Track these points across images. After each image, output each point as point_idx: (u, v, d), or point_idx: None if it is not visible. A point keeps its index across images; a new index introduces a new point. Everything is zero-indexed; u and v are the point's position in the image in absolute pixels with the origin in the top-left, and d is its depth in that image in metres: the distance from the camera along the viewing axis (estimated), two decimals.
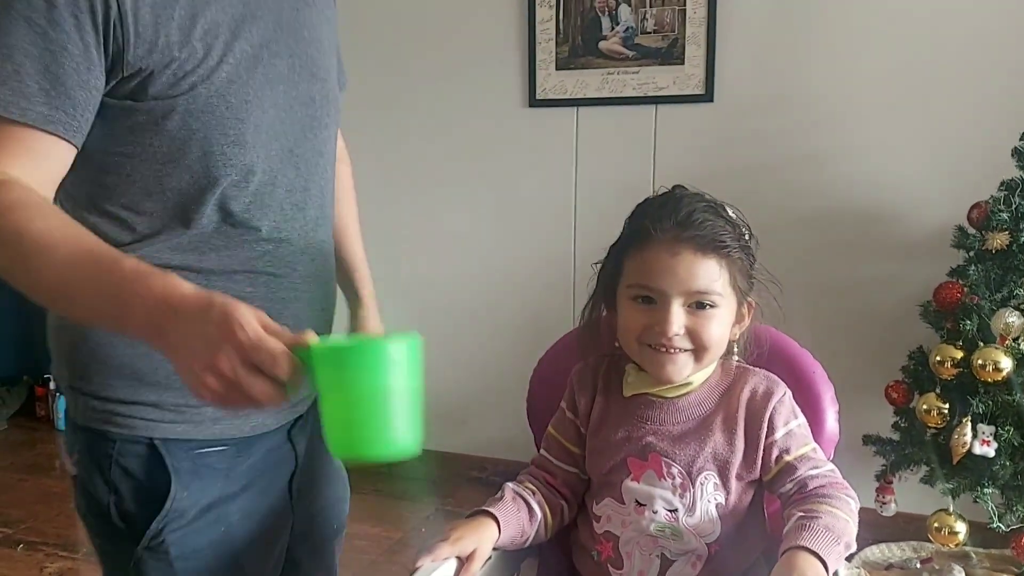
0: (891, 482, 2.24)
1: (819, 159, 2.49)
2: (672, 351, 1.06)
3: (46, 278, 0.84)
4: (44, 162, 0.89)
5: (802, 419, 1.12)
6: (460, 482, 2.95)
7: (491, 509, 1.10)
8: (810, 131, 2.50)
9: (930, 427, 2.08)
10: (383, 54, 2.91)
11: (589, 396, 1.18)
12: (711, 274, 1.05)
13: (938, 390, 2.08)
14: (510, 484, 1.16)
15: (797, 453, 1.09)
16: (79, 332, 1.01)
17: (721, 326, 1.08)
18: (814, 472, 1.08)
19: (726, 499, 1.09)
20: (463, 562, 1.05)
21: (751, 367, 1.15)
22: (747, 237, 1.11)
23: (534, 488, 1.16)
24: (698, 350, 1.07)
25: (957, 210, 2.21)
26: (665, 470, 1.09)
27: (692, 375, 1.11)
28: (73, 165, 0.92)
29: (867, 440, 2.26)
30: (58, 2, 0.86)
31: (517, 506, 1.13)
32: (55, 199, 0.93)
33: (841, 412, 1.21)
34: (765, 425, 1.09)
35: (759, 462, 1.09)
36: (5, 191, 0.85)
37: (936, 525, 2.11)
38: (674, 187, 1.14)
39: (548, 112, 2.75)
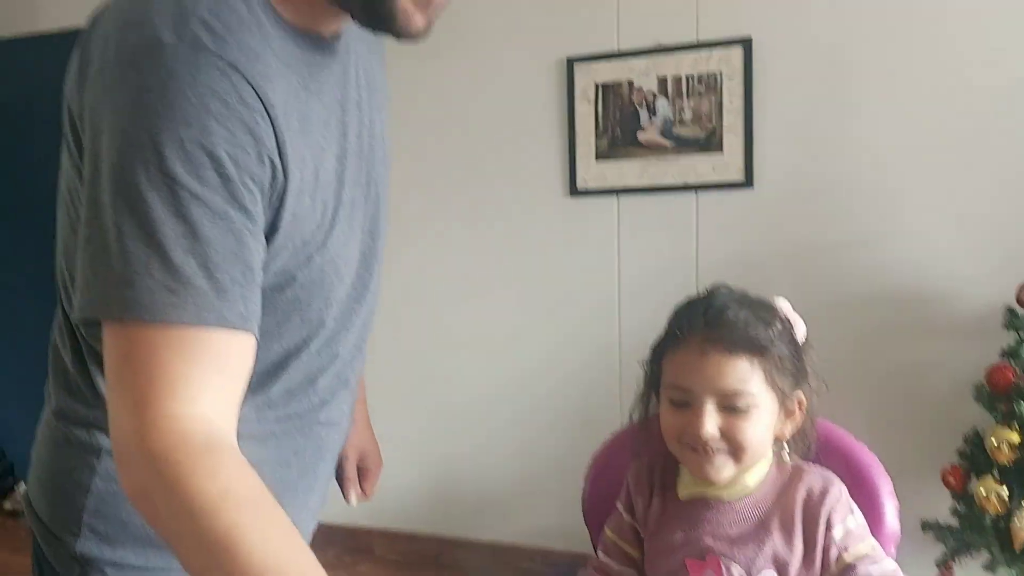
0: (952, 568, 2.17)
1: (862, 242, 2.50)
2: (709, 452, 1.08)
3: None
4: (240, 368, 0.76)
5: (859, 516, 1.11)
6: (507, 572, 2.91)
7: None
8: (852, 214, 2.51)
9: (989, 512, 2.03)
10: (423, 144, 3.00)
11: (646, 497, 1.18)
12: (741, 374, 1.06)
13: (996, 474, 2.03)
14: None
15: (857, 552, 1.08)
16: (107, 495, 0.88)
17: (757, 427, 1.08)
18: (875, 570, 1.06)
19: None
20: None
21: (805, 464, 1.15)
22: (792, 332, 1.12)
23: None
24: (735, 451, 1.08)
25: (1005, 289, 2.20)
26: (724, 572, 1.09)
27: (742, 475, 1.11)
28: None
29: (926, 526, 2.21)
30: (232, 174, 0.73)
31: None
32: None
33: (899, 498, 1.21)
34: (823, 525, 1.08)
35: (818, 563, 1.08)
36: (213, 468, 0.70)
37: None
38: (714, 285, 1.17)
39: (589, 201, 2.81)
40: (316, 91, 0.84)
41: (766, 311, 1.11)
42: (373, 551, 3.17)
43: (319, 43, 0.86)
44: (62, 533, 0.91)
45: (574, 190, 2.81)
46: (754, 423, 1.07)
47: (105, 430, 0.76)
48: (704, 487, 1.13)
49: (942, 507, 2.21)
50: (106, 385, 0.75)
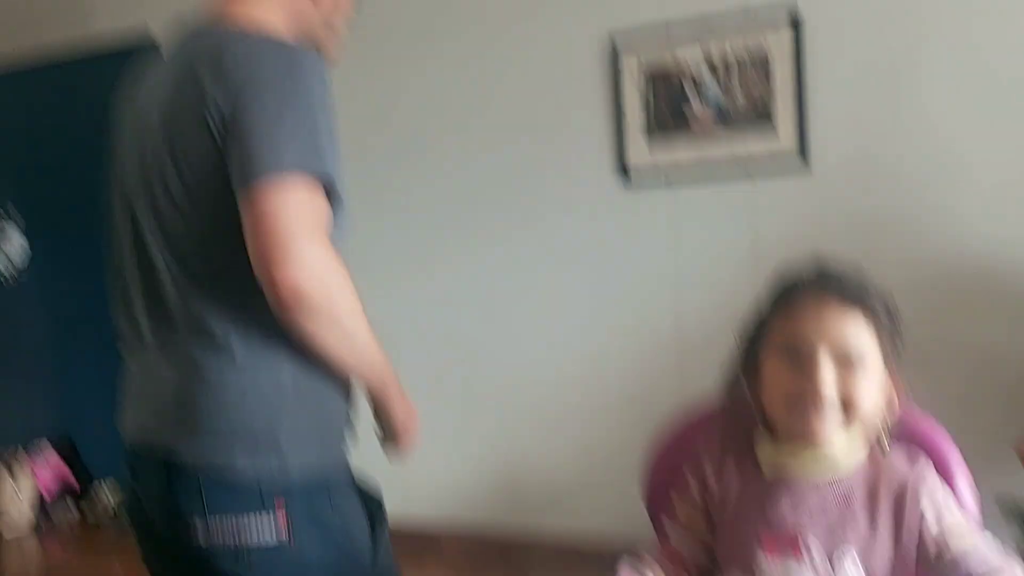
0: None
1: (926, 219, 2.43)
2: (821, 407, 1.05)
3: (372, 348, 1.14)
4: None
5: (950, 499, 1.07)
6: (573, 565, 2.91)
7: None
8: (913, 191, 2.44)
9: None
10: (476, 135, 3.01)
11: (723, 476, 1.16)
12: (857, 328, 1.06)
13: None
14: (625, 567, 1.13)
15: (959, 548, 1.03)
16: (273, 409, 1.09)
17: (871, 391, 1.07)
18: (981, 567, 1.02)
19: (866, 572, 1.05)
20: None
21: (896, 449, 1.12)
22: (895, 312, 1.11)
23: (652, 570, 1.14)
24: (847, 408, 1.06)
25: None
26: (804, 550, 1.06)
27: (840, 444, 1.08)
28: None
29: (1000, 501, 2.14)
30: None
31: None
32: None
33: (973, 475, 1.18)
34: (914, 512, 1.05)
35: (910, 551, 1.05)
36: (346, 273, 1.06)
37: None
38: (814, 258, 1.17)
39: (642, 192, 2.78)
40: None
41: (869, 280, 1.12)
42: (441, 548, 3.19)
43: None
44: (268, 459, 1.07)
45: (626, 180, 2.79)
46: (867, 382, 1.06)
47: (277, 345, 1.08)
48: (790, 461, 1.10)
49: (1020, 482, 2.15)
50: (273, 241, 0.98)
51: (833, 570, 1.05)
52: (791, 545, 1.06)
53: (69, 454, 3.85)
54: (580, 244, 2.90)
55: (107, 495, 3.80)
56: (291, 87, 1.03)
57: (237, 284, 1.05)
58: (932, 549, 1.04)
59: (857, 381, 1.05)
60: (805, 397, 1.05)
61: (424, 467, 3.21)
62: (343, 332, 1.07)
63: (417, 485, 3.23)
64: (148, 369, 1.14)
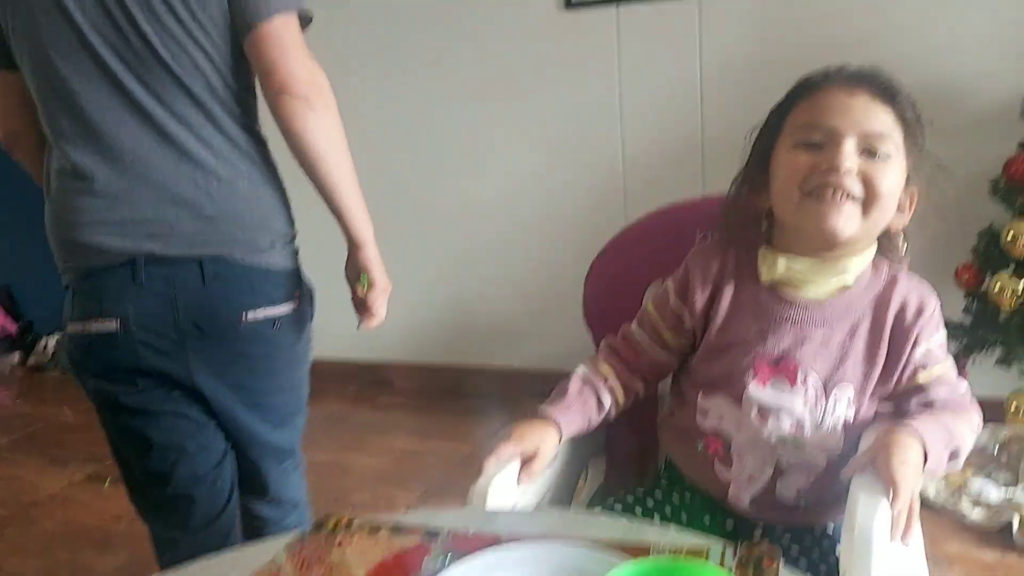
0: (964, 366, 2.17)
1: (875, 39, 2.37)
2: (839, 197, 0.96)
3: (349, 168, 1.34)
4: None
5: (942, 333, 1.04)
6: (524, 396, 2.96)
7: (553, 413, 1.08)
8: (864, 10, 2.37)
9: (1004, 308, 2.02)
10: None
11: (710, 288, 1.08)
12: (888, 121, 0.98)
13: (1011, 269, 2.00)
14: (580, 369, 1.13)
15: (932, 373, 1.02)
16: (274, 201, 1.31)
17: (893, 180, 0.98)
18: (943, 392, 1.02)
19: (855, 415, 1.03)
20: (526, 461, 1.04)
21: (901, 271, 1.06)
22: (918, 109, 1.03)
23: (607, 372, 1.13)
24: (868, 199, 0.97)
25: (1022, 80, 2.10)
26: (800, 379, 1.02)
27: (857, 238, 0.99)
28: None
29: None
30: None
31: (583, 400, 1.11)
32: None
33: None
34: (911, 340, 1.02)
35: (895, 376, 1.03)
36: None
37: (1014, 407, 2.06)
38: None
39: (585, 13, 2.66)
40: None
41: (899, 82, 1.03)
42: (393, 384, 3.23)
43: None
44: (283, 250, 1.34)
45: (569, 2, 2.66)
46: (891, 173, 0.98)
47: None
48: (797, 274, 1.02)
49: (955, 306, 2.20)
50: (285, 59, 1.20)
51: (827, 404, 1.02)
52: (788, 374, 1.02)
53: (5, 301, 3.77)
54: (521, 70, 2.79)
55: (48, 341, 3.76)
56: None
57: (243, 105, 1.28)
58: (909, 371, 1.02)
59: (882, 171, 0.97)
60: (824, 180, 0.96)
61: None
62: (340, 134, 1.31)
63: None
64: (145, 180, 1.20)
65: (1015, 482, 2.10)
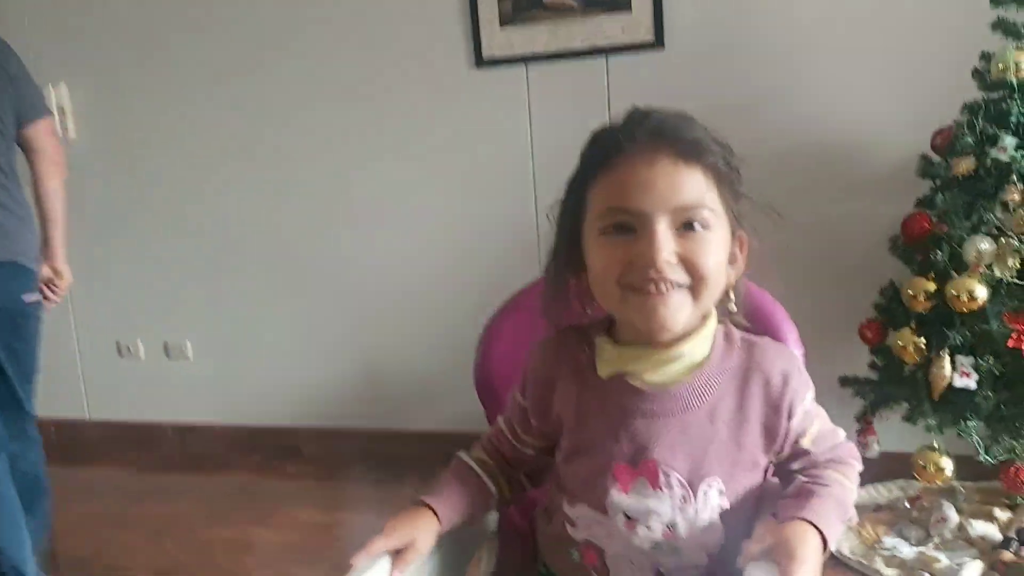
0: (871, 422, 2.18)
1: (775, 99, 2.41)
2: (663, 288, 0.86)
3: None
4: None
5: (811, 390, 0.97)
6: (440, 460, 2.87)
7: (428, 500, 1.01)
8: (764, 71, 2.41)
9: (908, 363, 2.03)
10: (322, 26, 2.80)
11: (554, 390, 0.99)
12: (698, 186, 0.87)
13: (913, 324, 2.02)
14: (460, 455, 1.07)
15: (811, 434, 0.97)
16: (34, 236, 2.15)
17: (718, 252, 0.89)
18: (826, 453, 0.98)
19: (731, 503, 0.94)
20: (400, 552, 0.98)
21: (755, 337, 0.98)
22: (731, 156, 0.92)
23: (486, 459, 1.08)
24: (695, 283, 0.87)
25: (920, 138, 2.15)
26: (663, 480, 0.92)
27: (690, 325, 0.91)
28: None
29: (844, 382, 2.21)
30: None
31: (464, 486, 1.04)
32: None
33: (816, 355, 1.14)
34: (784, 413, 0.94)
35: (773, 449, 0.96)
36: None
37: (921, 463, 2.06)
38: (633, 107, 0.94)
39: (496, 71, 2.65)
40: None
41: (703, 128, 0.91)
42: (301, 450, 3.10)
43: None
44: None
45: (480, 60, 2.65)
46: (715, 247, 0.88)
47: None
48: (637, 367, 0.93)
49: (860, 363, 2.21)
50: (48, 142, 2.09)
51: (696, 502, 0.92)
52: (648, 476, 0.92)
53: None
54: (432, 129, 2.76)
55: None
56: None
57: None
58: (791, 439, 0.96)
59: (703, 249, 0.87)
60: (643, 275, 0.86)
61: (280, 369, 3.09)
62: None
63: (273, 389, 3.11)
64: None
65: (926, 538, 2.10)
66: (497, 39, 2.61)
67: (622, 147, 0.88)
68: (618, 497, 0.93)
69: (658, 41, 2.47)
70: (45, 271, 2.11)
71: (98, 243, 3.19)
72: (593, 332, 0.98)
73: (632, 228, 0.87)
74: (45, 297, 2.12)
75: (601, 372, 0.95)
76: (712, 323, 0.95)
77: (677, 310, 0.88)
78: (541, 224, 2.66)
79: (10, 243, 1.95)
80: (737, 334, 0.98)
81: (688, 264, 0.87)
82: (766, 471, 0.99)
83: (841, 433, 1.02)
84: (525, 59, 2.60)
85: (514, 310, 1.24)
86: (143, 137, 3.08)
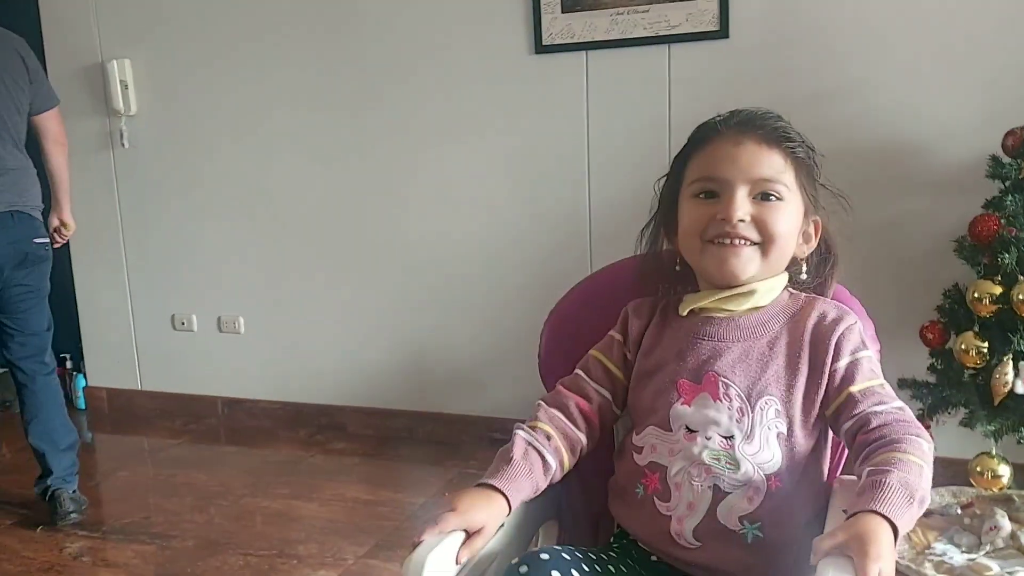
0: (929, 426, 2.14)
1: (842, 94, 2.37)
2: (736, 242, 1.02)
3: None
4: None
5: (872, 353, 1.05)
6: (481, 445, 2.89)
7: (500, 484, 1.01)
8: (832, 64, 2.37)
9: (968, 367, 1.99)
10: (383, 10, 2.81)
11: (644, 321, 1.12)
12: (776, 165, 1.03)
13: (976, 328, 1.98)
14: (521, 433, 1.06)
15: (862, 386, 1.01)
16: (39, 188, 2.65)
17: (788, 221, 1.04)
18: (878, 408, 0.99)
19: (788, 429, 1.02)
20: (469, 535, 0.97)
21: (820, 296, 1.10)
22: (812, 151, 1.08)
23: (549, 431, 1.07)
24: (765, 242, 1.03)
25: (991, 139, 2.10)
26: (722, 391, 1.02)
27: (758, 278, 1.05)
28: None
29: (903, 384, 2.16)
30: None
31: (529, 464, 1.04)
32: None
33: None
34: (831, 350, 1.03)
35: (822, 390, 1.02)
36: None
37: (978, 469, 2.02)
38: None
39: (556, 58, 2.64)
40: None
41: (788, 122, 1.08)
42: (346, 428, 3.14)
43: None
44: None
45: (540, 46, 2.64)
46: (786, 216, 1.04)
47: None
48: (710, 300, 1.06)
49: (920, 366, 2.17)
50: (56, 126, 2.60)
51: (753, 414, 1.01)
52: (709, 389, 1.03)
53: None
54: (490, 112, 2.76)
55: None
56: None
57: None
58: (836, 382, 1.02)
59: (774, 215, 1.03)
60: (720, 230, 1.02)
61: (329, 349, 3.12)
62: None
63: (322, 368, 3.15)
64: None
65: (978, 546, 2.06)
66: (558, 25, 2.60)
67: (718, 130, 1.06)
68: (680, 409, 1.04)
69: (723, 31, 2.44)
70: (54, 221, 2.63)
71: (156, 217, 3.25)
72: (679, 288, 1.13)
73: (717, 193, 1.04)
74: (54, 241, 2.64)
75: (682, 309, 1.10)
76: (781, 280, 1.09)
77: (747, 262, 1.03)
78: (594, 214, 2.67)
79: (26, 198, 2.46)
80: (803, 295, 1.11)
81: (760, 224, 1.03)
82: (824, 431, 1.06)
83: (905, 408, 1.01)
84: (585, 46, 2.59)
85: (580, 293, 1.23)
86: (203, 113, 3.12)
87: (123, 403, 3.44)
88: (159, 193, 3.23)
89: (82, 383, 3.50)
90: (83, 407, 3.50)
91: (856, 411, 1.00)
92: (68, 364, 3.52)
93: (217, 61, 3.05)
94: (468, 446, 2.93)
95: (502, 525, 1.00)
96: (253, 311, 3.20)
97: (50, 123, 2.56)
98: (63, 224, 2.66)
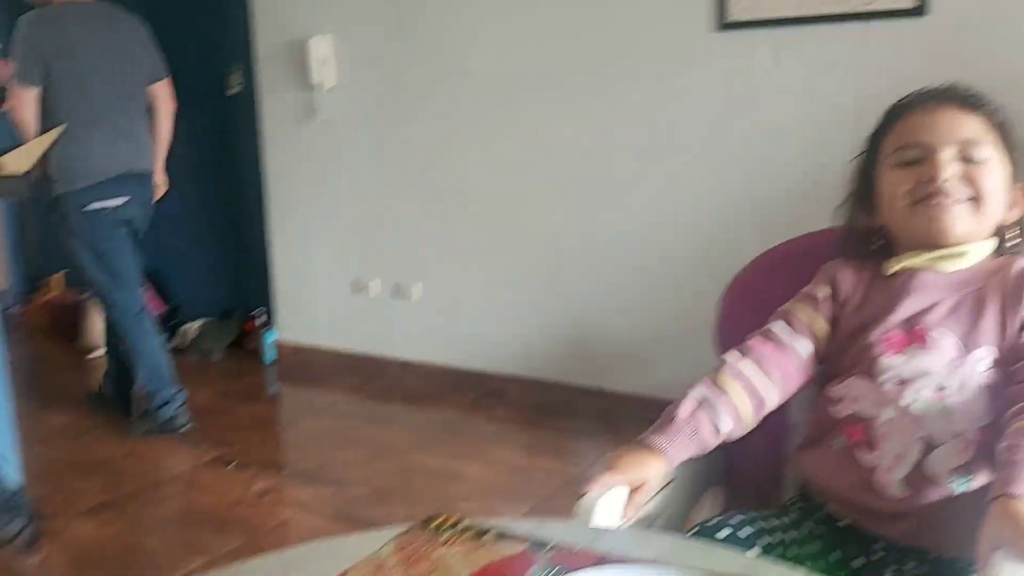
0: None
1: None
2: (947, 200, 1.00)
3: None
4: None
5: None
6: (641, 425, 2.89)
7: (659, 442, 1.02)
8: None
9: None
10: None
11: (853, 277, 1.11)
12: (978, 127, 1.02)
13: None
14: (697, 389, 1.06)
15: None
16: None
17: (996, 180, 1.02)
18: None
19: (998, 382, 0.98)
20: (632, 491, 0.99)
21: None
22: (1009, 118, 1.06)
23: (729, 386, 1.05)
24: (976, 198, 1.01)
25: None
26: (936, 341, 1.00)
27: (969, 239, 1.02)
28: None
29: None
30: None
31: (694, 425, 1.03)
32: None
33: None
34: (1022, 301, 1.00)
35: (1007, 338, 0.99)
36: None
37: None
38: None
39: (740, 35, 2.59)
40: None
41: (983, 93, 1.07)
42: (506, 396, 3.22)
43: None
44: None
45: (724, 22, 2.59)
46: (993, 173, 1.02)
47: None
48: (922, 259, 1.04)
49: None
50: (167, 95, 3.04)
51: (967, 365, 0.99)
52: (920, 338, 1.01)
53: (158, 285, 3.98)
54: (669, 91, 2.75)
55: (190, 327, 3.96)
56: None
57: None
58: (1017, 326, 0.99)
59: (982, 172, 1.01)
60: (927, 190, 1.01)
61: (497, 319, 3.21)
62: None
63: (489, 336, 3.25)
64: (122, 135, 2.86)
65: None
66: (744, 1, 2.55)
67: (914, 103, 1.07)
68: (890, 359, 1.02)
69: (921, 7, 2.32)
70: (156, 179, 3.02)
71: (347, 186, 3.44)
72: (877, 257, 1.11)
73: (919, 160, 1.03)
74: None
75: (889, 270, 1.08)
76: (990, 242, 1.05)
77: (957, 218, 1.01)
78: (768, 195, 2.60)
79: (149, 162, 2.93)
80: (1005, 257, 1.07)
81: (969, 180, 1.01)
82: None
83: None
84: (772, 23, 2.52)
85: (762, 264, 1.24)
86: (395, 88, 3.27)
87: (307, 358, 3.68)
88: (349, 163, 3.42)
89: (271, 336, 3.76)
90: (270, 360, 3.76)
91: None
92: (261, 320, 3.80)
93: (411, 36, 3.19)
94: (627, 424, 2.92)
95: (670, 482, 1.02)
96: (430, 279, 3.34)
97: (163, 92, 2.97)
98: (161, 182, 3.04)
